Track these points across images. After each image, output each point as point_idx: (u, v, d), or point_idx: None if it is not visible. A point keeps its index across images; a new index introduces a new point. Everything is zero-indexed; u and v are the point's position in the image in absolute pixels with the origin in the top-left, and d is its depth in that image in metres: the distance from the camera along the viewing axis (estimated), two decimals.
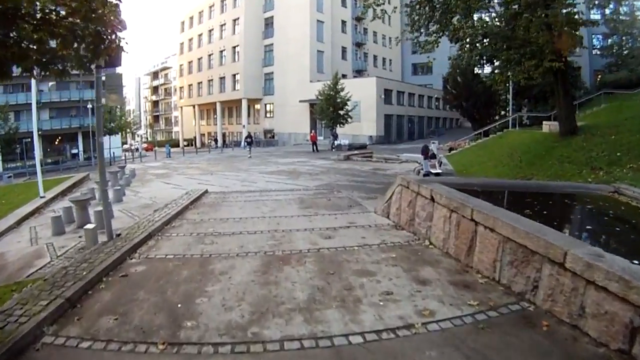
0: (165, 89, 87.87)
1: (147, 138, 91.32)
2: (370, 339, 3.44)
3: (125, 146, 69.25)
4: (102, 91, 6.56)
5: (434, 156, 12.24)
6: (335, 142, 31.56)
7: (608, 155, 10.27)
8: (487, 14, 26.18)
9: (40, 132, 43.22)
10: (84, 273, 4.96)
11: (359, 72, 50.48)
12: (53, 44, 4.35)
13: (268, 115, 50.87)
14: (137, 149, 57.12)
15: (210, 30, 55.49)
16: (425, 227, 6.16)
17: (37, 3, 4.04)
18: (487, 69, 28.09)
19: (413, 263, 5.24)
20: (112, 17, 4.56)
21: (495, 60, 27.48)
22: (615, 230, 5.36)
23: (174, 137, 75.67)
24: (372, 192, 10.90)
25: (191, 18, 60.02)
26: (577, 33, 13.59)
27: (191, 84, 60.72)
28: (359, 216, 8.14)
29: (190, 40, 60.44)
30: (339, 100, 31.59)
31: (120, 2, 4.77)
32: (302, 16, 44.25)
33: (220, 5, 53.05)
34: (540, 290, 3.77)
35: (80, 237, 7.38)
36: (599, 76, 31.33)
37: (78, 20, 4.26)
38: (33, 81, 12.87)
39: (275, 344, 3.42)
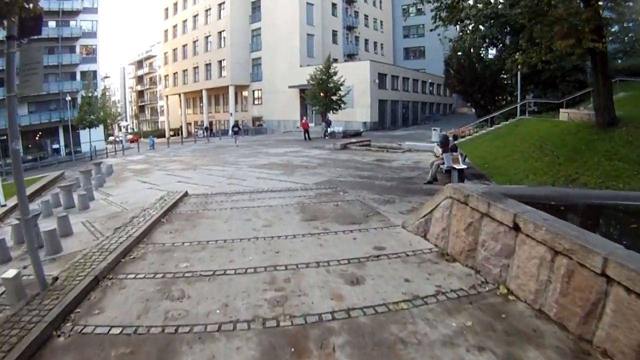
0: (151, 78, 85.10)
1: (133, 129, 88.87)
2: None
3: (112, 138, 67.20)
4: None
5: (455, 148, 10.61)
6: (329, 129, 29.92)
7: None
8: None
9: (19, 128, 40.88)
10: None
11: (350, 57, 48.67)
12: None
13: (256, 102, 48.93)
14: (120, 141, 55.13)
15: (195, 16, 53.09)
16: (498, 266, 4.31)
17: None
18: (493, 52, 26.64)
19: (503, 339, 3.35)
20: None
21: (499, 44, 26.22)
22: None
23: (160, 127, 73.39)
24: (385, 193, 9.25)
25: (175, 4, 57.44)
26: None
27: (176, 72, 58.42)
28: (385, 234, 6.13)
29: (175, 27, 57.94)
30: (331, 85, 29.88)
31: None
32: None
33: None
34: None
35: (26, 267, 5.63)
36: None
37: None
38: None
39: None
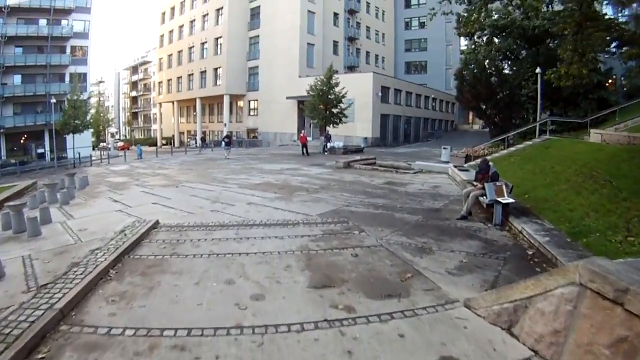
0: (145, 85, 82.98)
1: (125, 136, 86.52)
2: None
3: (103, 145, 64.91)
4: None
5: (497, 176, 8.56)
6: (328, 144, 27.89)
7: None
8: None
9: (3, 130, 39.41)
10: None
11: (351, 69, 47.00)
12: None
13: (252, 113, 46.88)
14: (108, 149, 52.93)
15: (192, 22, 51.35)
16: None
17: None
18: (505, 66, 24.83)
19: None
20: None
21: (513, 57, 24.61)
22: None
23: (153, 136, 71.13)
24: (414, 234, 7.13)
25: (172, 9, 55.78)
26: None
27: (170, 79, 56.43)
28: (445, 323, 4.01)
29: (171, 32, 56.14)
30: (332, 96, 27.92)
31: None
32: (292, 6, 40.51)
33: None
34: None
35: None
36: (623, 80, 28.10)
37: None
38: None
39: None
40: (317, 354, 3.50)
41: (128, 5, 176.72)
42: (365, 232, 7.23)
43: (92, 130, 74.76)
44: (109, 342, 3.68)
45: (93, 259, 5.75)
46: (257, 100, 45.82)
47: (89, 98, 37.16)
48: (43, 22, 39.67)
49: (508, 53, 23.74)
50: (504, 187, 8.34)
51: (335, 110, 28.20)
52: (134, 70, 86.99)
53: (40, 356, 3.49)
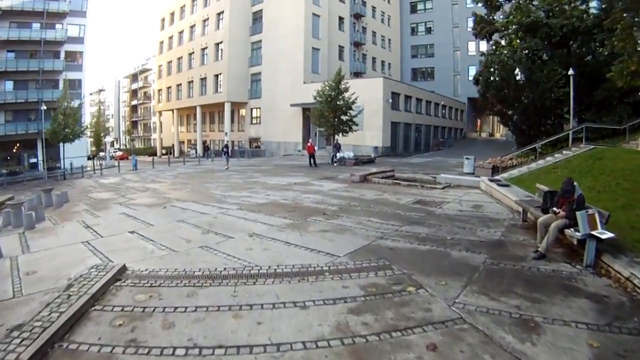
0: (145, 93, 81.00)
1: (125, 145, 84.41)
2: None
3: (102, 154, 62.80)
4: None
5: (582, 201, 6.31)
6: (338, 154, 25.64)
7: None
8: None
9: None
10: None
11: (357, 75, 44.95)
12: None
13: (254, 121, 44.71)
14: (104, 158, 50.77)
15: (191, 26, 49.45)
16: None
17: None
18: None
19: None
20: None
21: (537, 59, 22.44)
22: None
23: (152, 145, 69.00)
24: (496, 289, 4.92)
25: (172, 14, 54.01)
26: None
27: (170, 87, 54.47)
28: None
29: (170, 38, 54.29)
30: (341, 102, 25.70)
31: None
32: (297, 8, 38.54)
33: None
34: None
35: None
36: None
37: None
38: None
39: None
40: None
41: (129, 13, 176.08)
42: (423, 287, 4.95)
43: (89, 138, 73.19)
44: None
45: (2, 349, 3.53)
46: (259, 108, 43.70)
47: (80, 104, 34.88)
48: (36, 25, 37.74)
49: (535, 53, 21.57)
50: (597, 216, 6.09)
51: (344, 117, 25.99)
52: (134, 78, 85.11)
53: None
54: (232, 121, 45.27)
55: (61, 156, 32.89)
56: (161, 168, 29.91)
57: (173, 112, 54.50)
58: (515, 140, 25.31)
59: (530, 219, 8.63)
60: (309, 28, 38.71)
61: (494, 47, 24.65)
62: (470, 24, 54.23)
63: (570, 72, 19.00)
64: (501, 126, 71.82)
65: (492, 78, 21.70)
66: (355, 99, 25.96)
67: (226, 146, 29.40)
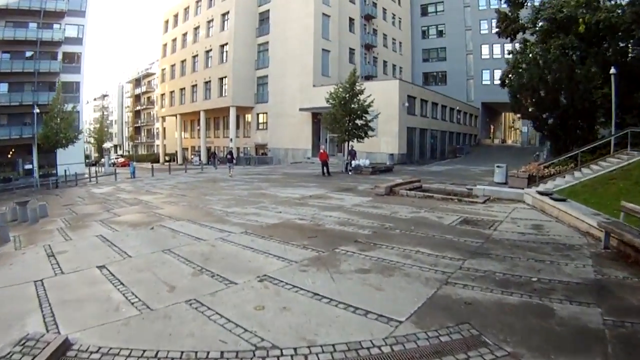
0: (148, 98, 79.18)
1: (128, 151, 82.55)
2: None
3: (103, 160, 60.73)
4: None
5: None
6: (353, 162, 23.35)
7: None
8: None
9: None
10: None
11: (367, 78, 42.67)
12: None
13: (261, 126, 42.52)
14: (102, 165, 48.70)
15: (195, 28, 47.54)
16: None
17: None
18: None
19: None
20: None
21: (567, 56, 20.29)
22: None
23: (155, 151, 67.01)
24: None
25: (175, 16, 52.21)
26: None
27: (173, 91, 52.47)
28: None
29: (174, 40, 52.42)
30: (355, 105, 23.44)
31: None
32: (306, 8, 36.48)
33: None
34: None
35: None
36: None
37: None
38: None
39: None
40: None
41: (135, 17, 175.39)
42: None
43: (92, 145, 71.18)
44: None
45: None
46: (266, 113, 41.52)
47: (74, 107, 32.82)
48: (33, 25, 35.91)
49: (569, 51, 19.35)
50: None
51: (359, 122, 23.73)
52: (137, 82, 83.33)
53: None
54: (238, 127, 43.11)
55: (58, 162, 30.99)
56: (160, 176, 27.79)
57: (176, 117, 52.48)
58: (550, 146, 22.95)
59: (612, 245, 6.70)
60: (318, 28, 36.63)
61: (522, 45, 22.49)
62: (484, 26, 52.64)
63: (612, 70, 16.83)
64: (512, 132, 69.78)
65: (524, 79, 19.44)
66: (372, 101, 23.72)
67: (230, 153, 27.34)
